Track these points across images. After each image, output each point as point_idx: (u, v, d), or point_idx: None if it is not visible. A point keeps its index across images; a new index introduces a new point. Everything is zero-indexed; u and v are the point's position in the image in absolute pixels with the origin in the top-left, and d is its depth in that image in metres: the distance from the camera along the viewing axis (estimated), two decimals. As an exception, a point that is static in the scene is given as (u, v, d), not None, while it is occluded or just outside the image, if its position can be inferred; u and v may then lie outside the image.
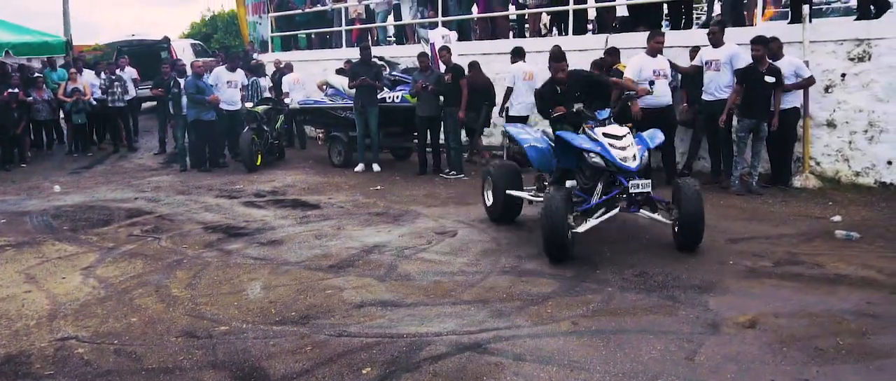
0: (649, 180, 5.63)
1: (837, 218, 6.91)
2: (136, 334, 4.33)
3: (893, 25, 8.09)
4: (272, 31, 16.75)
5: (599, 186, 5.75)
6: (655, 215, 5.83)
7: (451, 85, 9.67)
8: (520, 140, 6.77)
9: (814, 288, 4.84)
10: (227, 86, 11.41)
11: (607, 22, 11.27)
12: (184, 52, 18.78)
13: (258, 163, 11.11)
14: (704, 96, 8.61)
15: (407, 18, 13.58)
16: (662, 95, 8.46)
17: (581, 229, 5.49)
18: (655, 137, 6.07)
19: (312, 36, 16.21)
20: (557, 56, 6.44)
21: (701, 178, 8.86)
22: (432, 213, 7.62)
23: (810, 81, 8.07)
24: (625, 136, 5.69)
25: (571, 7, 10.73)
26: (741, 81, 7.94)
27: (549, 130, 6.52)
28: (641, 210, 5.79)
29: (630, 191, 5.51)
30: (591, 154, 5.63)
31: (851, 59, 8.17)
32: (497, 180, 6.89)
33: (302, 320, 4.49)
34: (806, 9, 8.35)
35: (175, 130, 11.55)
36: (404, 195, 8.68)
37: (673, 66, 8.89)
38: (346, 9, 14.81)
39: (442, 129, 9.93)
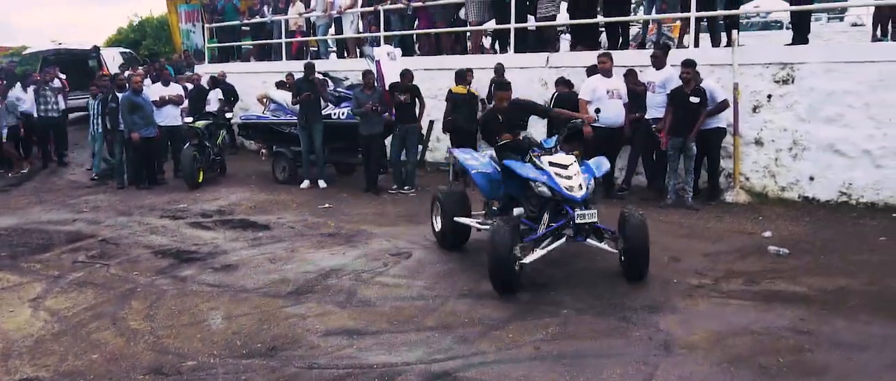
0: (595, 210, 5.69)
1: (768, 233, 7.38)
2: (100, 372, 4.28)
3: (814, 51, 8.70)
4: (208, 42, 16.46)
5: (546, 216, 5.79)
6: (602, 245, 5.84)
7: (410, 103, 9.81)
8: (466, 166, 6.81)
9: (753, 306, 5.19)
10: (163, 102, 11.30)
11: (550, 40, 11.59)
12: (113, 61, 18.23)
13: (200, 180, 10.94)
14: (647, 115, 9.04)
15: (348, 32, 13.60)
16: (615, 115, 8.82)
17: (528, 259, 5.47)
18: (601, 165, 6.19)
19: (247, 49, 16.02)
20: (500, 85, 6.61)
21: (639, 193, 9.31)
22: (384, 233, 7.71)
23: (724, 105, 8.58)
24: (571, 165, 5.76)
25: (513, 25, 11.01)
26: (670, 102, 8.39)
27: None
28: (588, 239, 5.79)
29: (576, 221, 5.55)
30: (538, 183, 5.71)
31: (776, 82, 8.72)
32: (446, 206, 6.90)
33: (269, 352, 4.52)
34: (735, 33, 8.86)
35: (112, 146, 11.23)
36: (354, 214, 8.73)
37: (629, 84, 9.26)
38: (287, 21, 14.73)
39: (394, 145, 9.98)
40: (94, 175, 11.86)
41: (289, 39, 14.74)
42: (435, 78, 11.46)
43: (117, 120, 10.99)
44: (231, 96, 13.74)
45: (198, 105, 12.96)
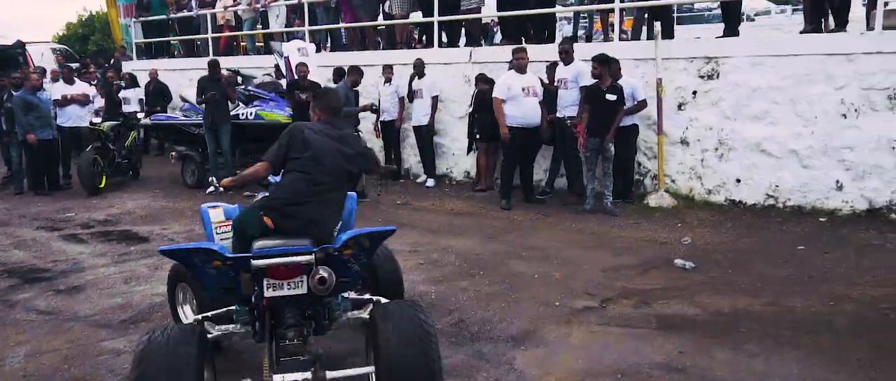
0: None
1: (687, 240, 6.81)
2: None
3: (739, 44, 8.11)
4: (136, 38, 15.66)
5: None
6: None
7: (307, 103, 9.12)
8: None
9: (634, 334, 4.57)
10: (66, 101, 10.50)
11: (475, 34, 10.95)
12: (42, 57, 17.41)
13: (102, 185, 10.20)
14: (558, 114, 8.45)
15: (274, 27, 12.87)
16: (531, 114, 8.22)
17: None
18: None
19: (176, 45, 15.25)
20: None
21: (561, 196, 8.72)
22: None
23: (643, 104, 8.05)
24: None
25: (436, 18, 10.36)
26: (586, 100, 7.79)
27: None
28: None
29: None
30: None
31: (701, 77, 8.13)
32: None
33: (49, 402, 3.85)
34: (657, 26, 8.25)
35: (8, 149, 10.45)
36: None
37: (542, 82, 8.68)
38: (214, 16, 13.97)
39: None
40: None
41: (216, 35, 13.99)
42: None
43: (13, 121, 10.23)
44: (163, 96, 13.01)
45: (113, 105, 12.24)
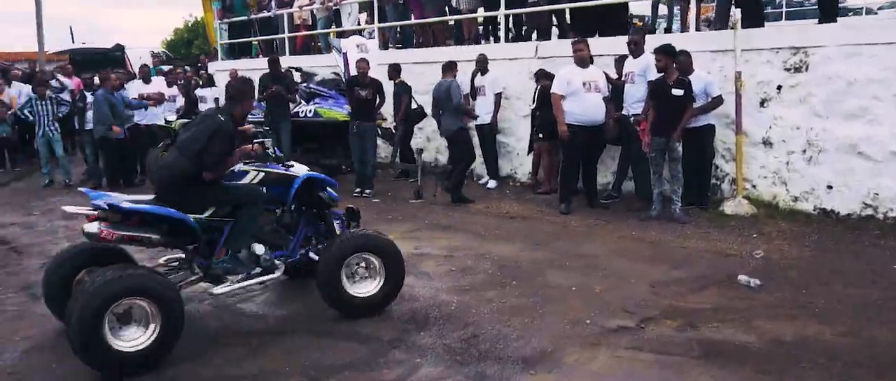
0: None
1: (760, 253, 5.99)
2: None
3: (832, 31, 7.11)
4: (222, 39, 16.05)
5: None
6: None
7: (371, 99, 8.88)
8: None
9: (666, 363, 3.92)
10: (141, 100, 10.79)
11: (542, 29, 10.35)
12: (140, 60, 18.16)
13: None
14: (625, 111, 7.76)
15: (346, 25, 12.76)
16: (593, 111, 7.59)
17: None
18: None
19: (260, 44, 15.48)
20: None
21: (627, 202, 8.01)
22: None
23: (718, 101, 7.21)
24: None
25: (502, 12, 9.86)
26: (650, 96, 7.06)
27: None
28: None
29: None
30: None
31: (787, 70, 7.20)
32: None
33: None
34: (737, 12, 7.36)
35: (82, 147, 10.81)
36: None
37: (608, 78, 8.03)
38: (291, 15, 14.06)
39: (353, 144, 9.05)
40: (66, 180, 11.31)
41: (292, 34, 14.06)
42: (426, 72, 10.41)
43: (85, 120, 10.58)
44: None
45: (191, 104, 12.51)
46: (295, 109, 9.78)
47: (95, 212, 4.19)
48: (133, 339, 3.86)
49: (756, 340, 4.19)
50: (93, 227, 4.07)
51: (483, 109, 9.46)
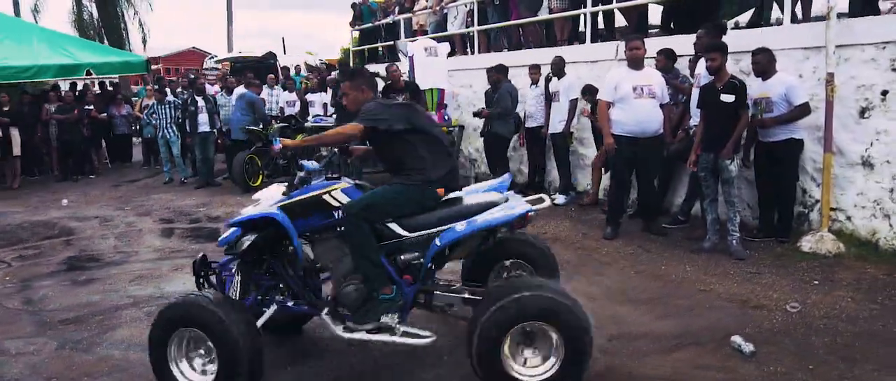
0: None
1: (796, 306, 4.63)
2: None
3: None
4: (354, 46, 16.45)
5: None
6: None
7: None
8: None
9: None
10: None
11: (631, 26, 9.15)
12: (293, 66, 19.25)
13: (257, 183, 10.66)
14: (691, 120, 6.53)
15: (451, 28, 12.36)
16: (644, 121, 6.47)
17: None
18: None
19: (383, 50, 15.61)
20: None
21: (690, 228, 6.74)
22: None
23: (803, 110, 5.70)
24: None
25: (588, 10, 8.85)
26: (698, 104, 5.80)
27: None
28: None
29: None
30: None
31: None
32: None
33: None
34: (831, 2, 5.81)
35: (192, 148, 11.53)
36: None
37: (669, 82, 6.86)
38: (410, 21, 13.99)
39: None
40: (183, 178, 12.08)
41: (411, 39, 13.95)
42: (511, 76, 9.70)
43: (196, 123, 11.24)
44: None
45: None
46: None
47: None
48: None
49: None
50: None
51: (556, 117, 8.56)
